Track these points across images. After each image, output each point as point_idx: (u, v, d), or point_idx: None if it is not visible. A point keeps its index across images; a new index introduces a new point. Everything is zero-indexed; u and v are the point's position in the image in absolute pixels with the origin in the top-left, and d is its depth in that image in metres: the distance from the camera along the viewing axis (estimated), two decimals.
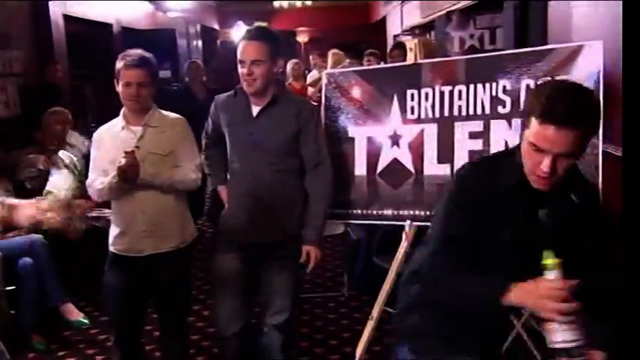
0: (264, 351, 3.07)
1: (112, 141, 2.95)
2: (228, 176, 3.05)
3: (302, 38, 19.08)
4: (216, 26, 17.15)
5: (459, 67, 3.16)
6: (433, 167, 3.17)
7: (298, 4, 17.11)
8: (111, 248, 3.00)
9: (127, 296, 3.01)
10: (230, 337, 2.97)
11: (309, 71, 9.53)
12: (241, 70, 2.78)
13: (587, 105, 1.68)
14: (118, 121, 2.98)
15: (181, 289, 3.11)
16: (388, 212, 3.26)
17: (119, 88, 2.88)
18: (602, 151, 2.88)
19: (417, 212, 3.16)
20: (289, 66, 8.80)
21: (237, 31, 16.25)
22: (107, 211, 3.24)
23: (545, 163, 1.66)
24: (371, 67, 4.47)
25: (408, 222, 3.16)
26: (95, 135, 3.05)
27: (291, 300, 2.98)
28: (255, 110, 2.86)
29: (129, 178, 2.76)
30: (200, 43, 13.69)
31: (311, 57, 9.75)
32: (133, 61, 2.84)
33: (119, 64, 2.86)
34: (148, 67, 2.89)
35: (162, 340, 3.23)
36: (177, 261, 3.01)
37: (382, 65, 5.61)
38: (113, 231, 3.01)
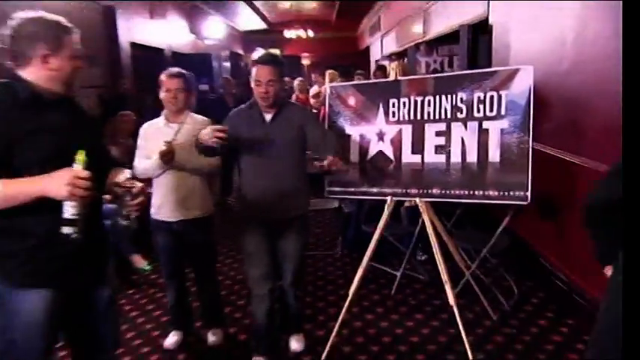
0: (282, 300, 3.17)
1: (155, 134, 3.02)
2: (244, 170, 2.95)
3: (306, 61, 19.14)
4: (240, 51, 17.12)
5: (429, 83, 3.18)
6: (408, 157, 3.19)
7: (303, 35, 17.11)
8: (154, 216, 3.11)
9: (170, 250, 3.16)
10: (261, 295, 2.95)
11: (311, 86, 9.58)
12: (258, 89, 2.77)
13: None
14: (160, 120, 3.08)
15: (206, 246, 3.22)
16: (374, 190, 3.26)
17: (162, 95, 3.00)
18: (532, 147, 2.92)
19: (396, 190, 3.18)
20: (296, 82, 8.85)
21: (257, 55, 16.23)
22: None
23: None
24: (363, 82, 4.54)
25: (389, 197, 3.17)
26: (141, 130, 3.11)
27: (300, 263, 3.03)
28: (268, 117, 2.84)
29: (167, 160, 2.87)
30: (228, 64, 13.64)
31: (313, 75, 9.78)
32: (171, 73, 3.00)
33: (162, 77, 3.00)
34: (182, 78, 3.01)
35: (198, 284, 3.35)
36: (201, 226, 3.11)
37: (371, 81, 5.59)
38: (154, 203, 3.09)
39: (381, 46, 13.04)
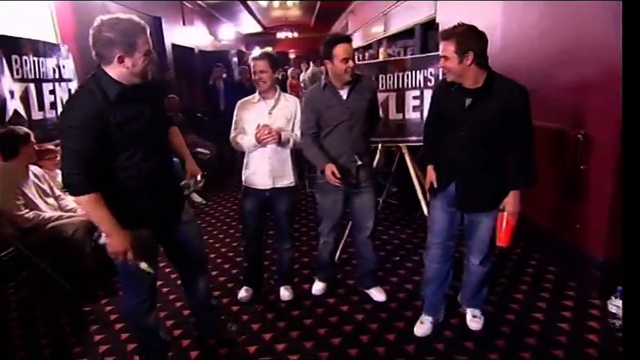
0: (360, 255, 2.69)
1: (250, 110, 2.45)
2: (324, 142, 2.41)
3: (292, 56, 18.52)
4: (243, 49, 16.62)
5: (408, 62, 3.16)
6: (394, 115, 3.14)
7: (290, 36, 16.65)
8: (244, 183, 2.55)
9: (255, 215, 2.55)
10: (329, 242, 2.61)
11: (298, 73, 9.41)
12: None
13: None
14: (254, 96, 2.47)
15: (291, 211, 2.60)
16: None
17: (254, 77, 2.41)
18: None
19: (385, 138, 3.14)
20: (289, 70, 8.74)
21: (256, 52, 15.78)
22: None
23: None
24: (361, 62, 3.95)
25: (379, 144, 3.22)
26: (237, 106, 2.49)
27: (375, 217, 2.52)
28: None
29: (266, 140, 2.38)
30: (236, 58, 13.18)
31: (301, 65, 9.60)
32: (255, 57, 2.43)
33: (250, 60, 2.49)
34: (266, 59, 2.39)
35: (277, 243, 2.70)
36: (288, 194, 2.53)
37: (366, 62, 5.18)
38: (246, 172, 2.54)
39: None
